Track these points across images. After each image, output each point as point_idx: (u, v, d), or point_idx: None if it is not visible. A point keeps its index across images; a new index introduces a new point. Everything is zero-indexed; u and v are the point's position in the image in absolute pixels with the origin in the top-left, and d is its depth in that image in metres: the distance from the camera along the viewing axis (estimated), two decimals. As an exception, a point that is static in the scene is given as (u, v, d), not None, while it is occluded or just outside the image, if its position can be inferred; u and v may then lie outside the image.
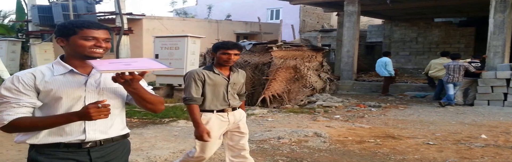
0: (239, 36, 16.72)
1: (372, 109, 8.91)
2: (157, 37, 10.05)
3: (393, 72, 11.62)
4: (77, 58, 1.72)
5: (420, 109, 8.92)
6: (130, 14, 11.93)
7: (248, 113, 7.88)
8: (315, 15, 21.83)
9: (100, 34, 1.69)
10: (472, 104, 9.34)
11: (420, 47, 16.91)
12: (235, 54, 2.94)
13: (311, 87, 9.89)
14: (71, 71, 1.71)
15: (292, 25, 11.90)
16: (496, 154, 4.70)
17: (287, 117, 7.72)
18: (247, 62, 9.58)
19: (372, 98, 10.96)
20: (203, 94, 3.03)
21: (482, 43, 9.97)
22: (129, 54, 11.00)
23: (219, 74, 3.02)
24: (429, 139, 5.63)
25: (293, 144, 5.23)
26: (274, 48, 9.33)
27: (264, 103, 9.06)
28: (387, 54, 11.89)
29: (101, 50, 1.70)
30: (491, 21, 9.93)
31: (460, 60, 9.41)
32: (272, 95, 9.08)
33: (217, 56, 2.97)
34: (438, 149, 4.96)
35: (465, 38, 15.99)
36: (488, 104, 9.12)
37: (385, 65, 11.44)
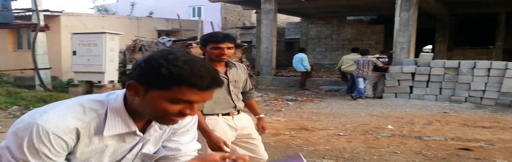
0: (160, 33, 16.44)
1: (289, 103, 9.25)
2: (74, 33, 9.72)
3: (309, 67, 12.13)
4: None
5: (333, 102, 9.42)
6: (47, 10, 11.40)
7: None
8: (236, 13, 22.08)
9: None
10: (381, 97, 10.02)
11: (334, 43, 17.80)
12: (229, 48, 2.47)
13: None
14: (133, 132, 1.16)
15: (211, 22, 11.98)
16: (401, 143, 5.05)
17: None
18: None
19: (290, 93, 11.37)
20: None
21: (391, 40, 10.75)
22: (46, 51, 10.46)
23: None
24: (340, 130, 5.95)
25: (211, 138, 5.31)
26: (194, 45, 9.34)
27: (185, 100, 9.06)
28: (303, 50, 12.39)
29: None
30: (397, 19, 10.69)
31: (369, 56, 10.06)
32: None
33: (208, 52, 2.49)
34: (348, 140, 5.23)
35: (375, 35, 17.10)
36: (396, 97, 9.78)
37: (301, 61, 11.91)
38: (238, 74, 2.66)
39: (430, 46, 20.79)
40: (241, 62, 10.73)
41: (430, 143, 5.07)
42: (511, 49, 15.34)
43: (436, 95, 9.31)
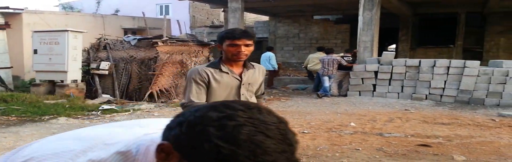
0: (126, 31, 16.19)
1: (257, 101, 9.30)
2: (35, 31, 9.45)
3: (276, 66, 12.23)
4: None
5: (300, 100, 9.54)
6: (7, 8, 11.01)
7: (134, 109, 7.77)
8: (204, 11, 21.97)
9: None
10: (345, 95, 10.19)
11: (302, 42, 17.99)
12: (246, 45, 2.27)
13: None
14: None
15: (177, 21, 11.88)
16: (363, 140, 5.17)
17: (173, 111, 7.74)
18: (132, 57, 9.42)
19: (258, 91, 11.42)
20: (207, 99, 2.38)
21: (356, 39, 10.95)
22: (6, 50, 10.12)
23: (228, 73, 2.38)
24: (305, 128, 6.04)
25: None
26: (160, 43, 9.26)
27: (152, 98, 8.99)
28: (270, 49, 12.48)
29: None
30: (360, 18, 10.89)
31: (334, 55, 10.24)
32: (160, 90, 9.04)
33: (224, 49, 2.31)
34: (312, 137, 5.30)
35: (341, 34, 17.39)
36: (359, 95, 9.97)
37: (269, 59, 11.99)
38: (254, 76, 2.48)
39: (394, 45, 21.31)
40: (209, 60, 10.71)
41: (391, 140, 5.21)
42: (470, 48, 15.94)
43: (398, 93, 9.55)
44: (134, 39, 9.54)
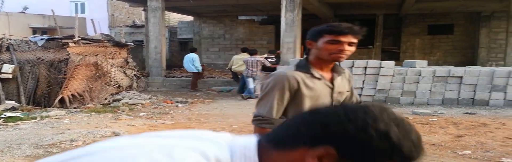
0: (35, 30, 15.01)
1: (179, 104, 8.97)
2: None
3: (200, 68, 11.94)
4: None
5: (224, 103, 9.35)
6: None
7: (42, 115, 7.12)
8: (125, 10, 21.07)
9: None
10: None
11: (227, 43, 17.84)
12: (350, 44, 1.84)
13: (116, 84, 9.44)
14: None
15: (92, 20, 11.17)
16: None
17: (87, 117, 7.19)
18: (40, 59, 8.65)
19: (181, 94, 11.08)
20: (286, 111, 1.93)
21: (282, 40, 11.01)
22: None
23: (320, 79, 1.93)
24: (227, 131, 5.89)
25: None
26: (71, 44, 8.59)
27: (63, 104, 8.30)
28: (194, 50, 12.18)
29: None
30: (282, 19, 10.97)
31: (258, 56, 10.17)
32: (72, 95, 8.38)
33: (319, 47, 1.85)
34: (232, 140, 5.22)
35: (266, 35, 17.49)
36: None
37: (192, 61, 11.67)
38: (343, 83, 2.03)
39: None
40: (127, 62, 10.17)
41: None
42: (388, 49, 16.75)
43: (321, 93, 9.68)
44: (42, 39, 8.76)
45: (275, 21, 16.87)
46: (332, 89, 1.94)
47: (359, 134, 0.69)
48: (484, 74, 8.48)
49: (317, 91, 1.89)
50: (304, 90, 1.87)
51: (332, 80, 1.95)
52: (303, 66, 1.91)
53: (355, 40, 1.83)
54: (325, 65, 1.91)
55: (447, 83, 8.63)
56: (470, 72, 8.54)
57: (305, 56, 1.99)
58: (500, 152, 4.62)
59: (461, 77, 8.56)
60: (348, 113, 0.73)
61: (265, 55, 10.81)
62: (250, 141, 0.78)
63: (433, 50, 16.98)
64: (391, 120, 0.72)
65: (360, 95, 9.21)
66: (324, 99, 1.92)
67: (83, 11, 19.41)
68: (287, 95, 1.87)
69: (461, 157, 4.45)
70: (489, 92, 8.47)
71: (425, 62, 9.33)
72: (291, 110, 1.90)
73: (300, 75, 1.87)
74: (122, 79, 9.65)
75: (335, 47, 1.80)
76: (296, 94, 1.88)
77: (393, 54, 16.65)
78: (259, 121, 1.90)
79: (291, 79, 1.85)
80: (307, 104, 1.88)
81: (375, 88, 9.06)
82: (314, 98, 1.89)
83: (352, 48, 1.84)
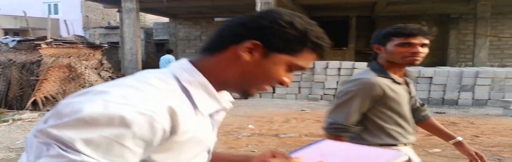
0: (7, 32, 14.70)
1: (155, 106, 8.94)
2: None
3: (176, 69, 11.92)
4: None
5: (200, 103, 9.36)
6: None
7: (14, 118, 7.01)
8: (99, 11, 20.81)
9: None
10: (247, 97, 10.24)
11: (204, 45, 17.85)
12: (423, 45, 1.73)
13: (90, 86, 9.35)
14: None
15: (65, 21, 11.02)
16: (259, 142, 5.20)
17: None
18: (11, 61, 8.50)
19: (157, 95, 11.02)
20: (368, 119, 1.80)
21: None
22: None
23: (400, 83, 1.81)
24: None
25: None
26: (43, 45, 8.47)
27: (36, 106, 8.17)
28: (170, 52, 12.16)
29: None
30: (258, 21, 11.04)
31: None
32: (45, 97, 8.27)
33: (389, 51, 1.75)
34: (208, 142, 5.25)
35: (242, 37, 17.56)
36: (260, 97, 10.05)
37: (169, 62, 11.64)
38: (413, 87, 1.94)
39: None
40: (102, 64, 10.07)
41: (286, 140, 5.29)
42: (362, 50, 17.05)
43: (296, 94, 9.82)
44: (13, 41, 8.62)
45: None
46: (410, 93, 1.86)
47: (272, 25, 0.82)
48: (452, 75, 8.77)
49: (401, 96, 1.78)
50: (391, 95, 1.74)
51: (408, 85, 1.86)
52: (381, 71, 1.78)
53: (426, 41, 1.73)
54: (399, 69, 1.80)
55: (418, 83, 8.87)
56: (439, 73, 8.82)
57: (372, 60, 1.87)
58: (467, 149, 4.81)
59: (431, 78, 8.83)
60: (258, 13, 0.87)
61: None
62: (180, 61, 0.89)
63: (405, 51, 17.34)
64: (293, 14, 0.86)
65: (333, 95, 9.39)
66: (404, 104, 1.81)
67: (56, 12, 19.09)
68: (368, 103, 1.74)
69: (431, 155, 4.61)
70: (458, 92, 8.76)
71: (396, 63, 9.57)
72: (379, 116, 1.79)
73: (384, 81, 1.74)
74: (96, 81, 9.55)
75: (408, 49, 1.70)
76: (380, 101, 1.75)
77: (367, 55, 16.91)
78: (335, 129, 1.76)
79: (377, 87, 1.72)
80: (393, 110, 1.77)
81: (348, 89, 9.24)
82: (398, 104, 1.77)
83: (426, 50, 1.74)
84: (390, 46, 1.74)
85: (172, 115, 0.75)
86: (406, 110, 1.81)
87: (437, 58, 16.86)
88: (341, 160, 1.00)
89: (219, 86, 0.88)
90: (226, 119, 6.34)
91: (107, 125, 0.66)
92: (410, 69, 8.41)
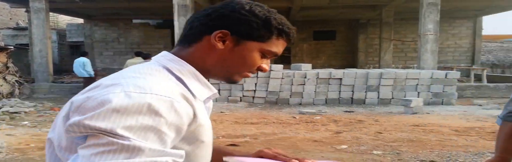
0: None
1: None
2: None
3: (92, 72, 11.48)
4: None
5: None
6: None
7: None
8: (6, 11, 19.39)
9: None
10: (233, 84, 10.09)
11: (122, 47, 17.35)
12: None
13: (-5, 92, 8.73)
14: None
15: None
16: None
17: (-41, 128, 6.58)
18: None
19: (71, 100, 10.54)
20: None
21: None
22: None
23: None
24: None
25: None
26: None
27: None
28: (84, 54, 11.67)
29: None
30: (176, 23, 11.05)
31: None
32: None
33: None
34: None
35: (163, 39, 17.34)
36: (216, 101, 10.03)
37: (83, 66, 11.19)
38: None
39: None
40: (8, 67, 9.44)
41: (202, 142, 5.36)
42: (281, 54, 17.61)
43: (216, 96, 9.91)
44: None
45: (171, 25, 16.85)
46: None
47: (235, 14, 0.89)
48: (360, 76, 9.42)
49: None
50: None
51: None
52: None
53: None
54: None
55: (329, 84, 9.42)
56: (348, 74, 9.43)
57: None
58: (371, 146, 5.20)
59: (341, 79, 9.42)
60: (220, 4, 0.93)
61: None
62: (162, 53, 0.97)
63: (319, 54, 18.31)
64: (253, 4, 0.93)
65: (253, 97, 9.66)
66: None
67: (-46, 11, 17.45)
68: None
69: (338, 152, 4.94)
70: (365, 91, 9.43)
71: (309, 65, 10.07)
72: None
73: None
74: (1, 85, 8.94)
75: None
76: None
77: (285, 58, 17.57)
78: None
79: None
80: None
81: (266, 90, 9.56)
82: None
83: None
84: None
85: (188, 101, 0.82)
86: None
87: (348, 61, 17.97)
88: None
89: (202, 74, 0.94)
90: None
91: (139, 113, 0.71)
92: (322, 71, 8.75)
